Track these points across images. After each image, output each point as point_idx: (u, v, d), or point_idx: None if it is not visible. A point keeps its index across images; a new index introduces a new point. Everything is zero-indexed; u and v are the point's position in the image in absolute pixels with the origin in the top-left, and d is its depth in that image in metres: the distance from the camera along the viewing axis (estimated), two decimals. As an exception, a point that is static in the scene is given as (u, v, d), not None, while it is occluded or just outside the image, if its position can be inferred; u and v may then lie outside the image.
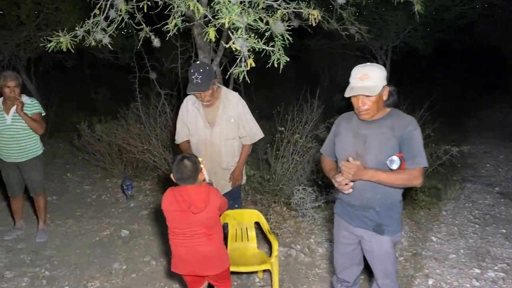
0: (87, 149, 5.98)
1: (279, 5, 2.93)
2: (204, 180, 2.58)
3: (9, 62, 7.37)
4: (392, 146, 2.30)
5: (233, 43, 2.57)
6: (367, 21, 7.04)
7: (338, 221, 2.66)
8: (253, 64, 2.58)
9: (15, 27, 7.25)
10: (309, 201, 4.29)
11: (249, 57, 2.56)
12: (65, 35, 2.93)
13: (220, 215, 2.67)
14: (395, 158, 2.27)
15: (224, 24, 2.50)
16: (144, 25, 3.17)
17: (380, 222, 2.41)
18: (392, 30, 8.34)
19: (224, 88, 3.29)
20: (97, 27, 3.02)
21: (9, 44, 7.27)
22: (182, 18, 2.83)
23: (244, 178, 3.52)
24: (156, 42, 4.47)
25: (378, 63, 9.98)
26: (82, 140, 5.96)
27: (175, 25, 2.81)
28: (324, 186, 4.70)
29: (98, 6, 3.07)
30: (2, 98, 3.83)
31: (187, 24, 3.21)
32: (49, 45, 2.97)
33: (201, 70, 3.06)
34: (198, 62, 3.19)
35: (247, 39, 2.51)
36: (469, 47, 11.74)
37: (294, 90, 8.08)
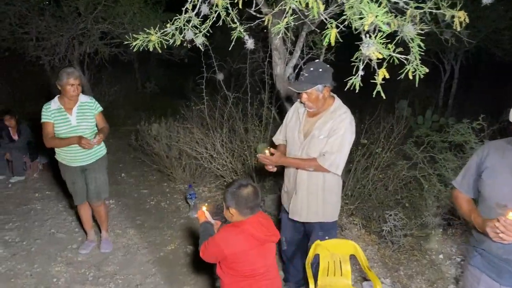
0: (144, 149, 5.65)
1: (407, 4, 2.43)
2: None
3: (65, 55, 7.17)
4: None
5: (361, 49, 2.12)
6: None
7: (476, 276, 2.14)
8: (387, 75, 2.11)
9: (72, 20, 7.05)
10: (399, 228, 3.78)
11: (382, 66, 2.09)
12: (156, 33, 2.53)
13: None
14: None
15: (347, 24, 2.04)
16: (238, 23, 2.75)
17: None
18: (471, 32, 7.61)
19: (337, 103, 2.79)
20: (188, 24, 2.62)
21: (65, 37, 7.07)
22: (295, 16, 2.37)
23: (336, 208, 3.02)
24: (250, 44, 4.05)
25: (445, 68, 9.20)
26: (139, 139, 5.65)
27: (286, 24, 2.36)
28: (411, 209, 4.18)
29: (190, 1, 2.66)
30: (58, 96, 3.45)
31: (294, 23, 2.75)
32: (134, 43, 2.58)
33: (311, 69, 2.65)
34: (317, 60, 2.76)
35: (382, 44, 2.03)
36: None
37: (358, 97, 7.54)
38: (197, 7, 2.66)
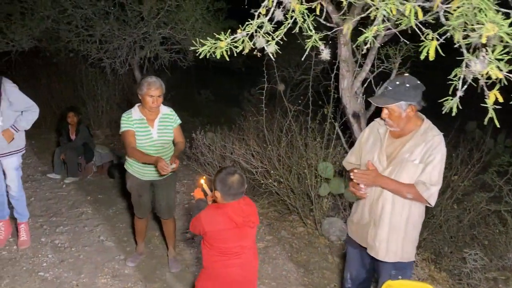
0: (198, 158, 5.49)
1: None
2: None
3: (126, 58, 7.20)
4: None
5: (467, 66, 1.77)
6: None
7: None
8: (500, 98, 1.74)
9: (134, 24, 7.08)
10: (479, 269, 3.32)
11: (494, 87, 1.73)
12: (226, 39, 2.30)
13: None
14: None
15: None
16: (313, 31, 2.47)
17: None
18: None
19: (428, 124, 2.44)
20: (260, 30, 2.37)
21: (127, 40, 7.11)
22: (386, 24, 2.06)
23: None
24: (325, 54, 3.77)
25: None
26: (193, 148, 5.49)
27: (375, 33, 2.05)
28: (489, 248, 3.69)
29: (263, 5, 2.42)
30: (138, 105, 3.31)
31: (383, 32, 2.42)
32: (201, 50, 2.37)
33: (397, 83, 2.33)
34: (406, 74, 2.43)
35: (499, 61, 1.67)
36: None
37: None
38: (271, 12, 2.42)
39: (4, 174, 3.71)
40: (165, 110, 3.34)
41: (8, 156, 3.61)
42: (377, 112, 4.41)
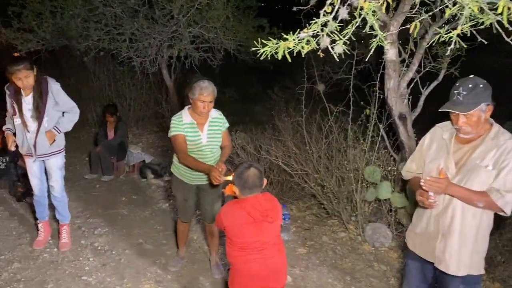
0: (232, 159, 5.39)
1: None
2: None
3: (156, 58, 7.14)
4: None
5: None
6: None
7: None
8: None
9: (164, 22, 7.01)
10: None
11: None
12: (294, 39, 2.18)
13: None
14: None
15: None
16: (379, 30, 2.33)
17: None
18: None
19: (497, 127, 2.29)
20: (325, 29, 2.24)
21: (157, 39, 7.04)
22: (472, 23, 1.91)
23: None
24: (392, 55, 3.65)
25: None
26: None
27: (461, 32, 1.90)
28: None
29: (328, 2, 2.29)
30: (188, 108, 3.21)
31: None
32: (262, 50, 2.25)
33: (470, 86, 2.19)
34: (472, 76, 2.28)
35: None
36: None
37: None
38: (335, 10, 2.28)
39: (46, 175, 3.67)
40: (215, 114, 3.24)
41: (51, 156, 3.56)
42: (422, 115, 4.26)
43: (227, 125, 3.32)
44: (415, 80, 4.17)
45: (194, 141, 3.15)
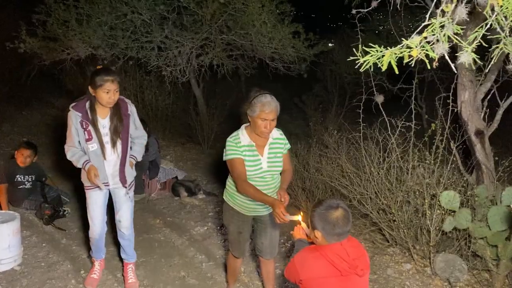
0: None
1: None
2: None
3: (186, 67, 6.74)
4: None
5: None
6: None
7: None
8: None
9: (195, 29, 6.62)
10: None
11: None
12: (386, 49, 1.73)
13: None
14: None
15: None
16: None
17: None
18: None
19: None
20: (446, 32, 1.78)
21: (187, 47, 6.65)
22: None
23: None
24: (467, 61, 3.14)
25: None
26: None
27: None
28: None
29: (444, 1, 1.83)
30: (246, 127, 2.76)
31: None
32: (363, 60, 1.79)
33: None
34: None
35: None
36: None
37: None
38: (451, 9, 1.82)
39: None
40: (276, 134, 2.78)
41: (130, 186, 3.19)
42: (500, 131, 3.74)
43: (288, 146, 2.87)
44: (492, 91, 3.66)
45: (254, 166, 2.69)
